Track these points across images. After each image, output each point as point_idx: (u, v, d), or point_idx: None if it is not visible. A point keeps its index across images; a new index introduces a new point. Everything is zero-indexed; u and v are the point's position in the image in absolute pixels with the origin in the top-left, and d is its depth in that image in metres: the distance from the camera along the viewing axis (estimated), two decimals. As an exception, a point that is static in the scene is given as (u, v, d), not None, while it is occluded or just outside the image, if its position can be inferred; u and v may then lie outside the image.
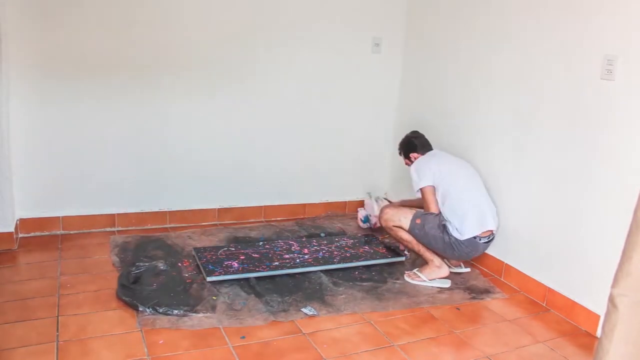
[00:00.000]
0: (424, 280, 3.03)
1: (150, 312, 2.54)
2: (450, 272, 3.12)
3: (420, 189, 3.09)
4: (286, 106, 3.84)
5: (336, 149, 4.07)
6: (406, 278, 3.07)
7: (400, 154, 3.42)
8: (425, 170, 3.08)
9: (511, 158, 3.13)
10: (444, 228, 2.98)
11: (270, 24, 3.66)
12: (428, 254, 3.06)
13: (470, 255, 3.07)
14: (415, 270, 3.11)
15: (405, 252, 3.35)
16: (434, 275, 3.04)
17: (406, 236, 3.07)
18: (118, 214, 3.55)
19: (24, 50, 3.14)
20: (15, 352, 2.20)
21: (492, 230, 3.02)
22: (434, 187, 3.06)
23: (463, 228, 2.94)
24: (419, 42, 3.93)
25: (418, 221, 3.02)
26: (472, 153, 3.41)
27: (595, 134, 2.63)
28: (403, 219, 3.06)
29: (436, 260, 3.06)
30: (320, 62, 3.86)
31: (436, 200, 3.05)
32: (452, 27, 3.57)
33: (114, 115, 3.41)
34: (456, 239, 2.95)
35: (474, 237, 2.96)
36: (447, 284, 3.04)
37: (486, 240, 3.01)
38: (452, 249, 2.98)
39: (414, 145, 3.30)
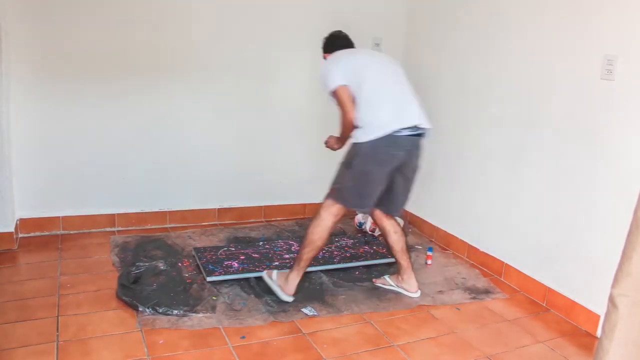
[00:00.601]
0: (392, 285, 2.94)
1: (150, 312, 2.54)
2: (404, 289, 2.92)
3: (333, 91, 2.64)
4: (286, 106, 3.84)
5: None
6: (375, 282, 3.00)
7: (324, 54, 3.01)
8: (334, 69, 2.66)
9: (511, 158, 3.13)
10: (348, 160, 2.62)
11: (269, 24, 3.66)
12: (405, 262, 2.87)
13: (395, 159, 2.60)
14: (385, 277, 2.99)
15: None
16: (403, 285, 2.91)
17: (390, 240, 2.86)
18: (118, 214, 3.55)
19: (25, 50, 3.14)
20: (15, 352, 2.20)
21: (416, 125, 2.59)
22: (348, 87, 2.60)
23: (377, 121, 2.54)
24: (419, 42, 3.93)
25: (334, 191, 2.63)
26: (472, 153, 3.41)
27: (595, 134, 2.63)
28: (330, 215, 2.64)
29: (407, 274, 2.88)
30: (320, 62, 3.85)
31: (352, 104, 2.60)
32: (451, 27, 3.57)
33: (115, 115, 3.41)
34: (370, 141, 2.52)
35: (392, 133, 2.52)
36: (416, 294, 2.89)
37: (410, 133, 2.58)
38: (371, 161, 2.57)
39: (332, 43, 2.92)
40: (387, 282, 2.97)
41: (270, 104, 3.79)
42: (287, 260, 3.12)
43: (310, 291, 2.87)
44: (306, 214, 4.06)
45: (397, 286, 2.93)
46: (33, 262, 3.04)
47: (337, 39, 2.97)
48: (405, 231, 3.85)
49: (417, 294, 2.90)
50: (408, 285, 2.90)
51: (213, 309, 2.61)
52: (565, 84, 2.78)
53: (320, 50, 3.73)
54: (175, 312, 2.55)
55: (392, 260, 3.27)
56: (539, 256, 2.97)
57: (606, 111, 2.58)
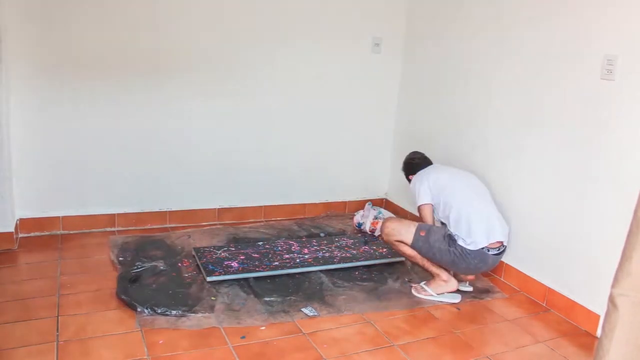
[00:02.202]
0: (432, 295, 2.88)
1: (149, 312, 2.54)
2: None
3: (418, 207, 3.02)
4: (286, 106, 3.84)
5: (336, 149, 4.07)
6: (413, 292, 2.92)
7: (406, 177, 3.32)
8: (422, 188, 2.99)
9: (511, 158, 3.13)
10: (450, 239, 2.83)
11: (270, 24, 3.66)
12: (434, 269, 2.89)
13: (480, 269, 2.88)
14: (422, 284, 2.95)
15: None
16: (441, 290, 2.89)
17: (409, 251, 2.88)
18: (118, 214, 3.55)
19: (25, 50, 3.14)
20: (15, 352, 2.20)
21: (501, 242, 2.84)
22: (432, 205, 2.98)
23: (470, 238, 2.78)
24: (419, 42, 3.93)
25: (422, 233, 2.85)
26: (472, 154, 3.41)
27: (595, 134, 2.63)
28: (405, 232, 2.86)
29: (443, 275, 2.88)
30: (320, 62, 3.86)
31: (433, 219, 3.01)
32: (451, 27, 3.57)
33: (114, 115, 3.41)
34: (463, 248, 2.79)
35: (483, 248, 2.79)
36: (457, 298, 2.89)
37: (496, 252, 2.83)
38: (460, 261, 2.80)
39: (412, 167, 3.23)
40: (426, 290, 2.92)
41: (271, 104, 3.79)
42: (287, 260, 3.13)
43: (310, 291, 2.87)
44: (306, 214, 4.07)
45: (437, 294, 2.91)
46: (33, 262, 3.04)
47: (415, 161, 3.26)
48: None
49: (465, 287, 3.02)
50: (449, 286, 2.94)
51: (212, 309, 2.61)
52: (566, 84, 2.78)
53: (318, 51, 3.78)
54: (174, 312, 2.54)
55: (392, 260, 3.28)
56: (539, 256, 2.97)
57: (606, 111, 2.57)
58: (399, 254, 2.99)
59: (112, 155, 3.46)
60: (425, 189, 2.99)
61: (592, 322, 2.66)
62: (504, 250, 2.89)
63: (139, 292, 2.68)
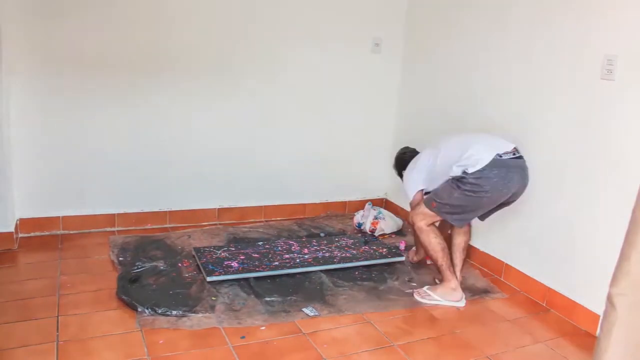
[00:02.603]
0: (438, 300, 2.82)
1: (149, 312, 2.54)
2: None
3: (411, 197, 2.97)
4: (286, 106, 3.84)
5: (336, 149, 4.07)
6: (416, 297, 2.85)
7: (399, 175, 3.22)
8: (412, 175, 2.95)
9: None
10: (457, 182, 2.68)
11: (270, 24, 3.66)
12: (448, 273, 2.83)
13: (508, 187, 2.66)
14: (426, 289, 2.88)
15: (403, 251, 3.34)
16: (447, 297, 2.82)
17: (435, 243, 2.82)
18: (118, 214, 3.55)
19: (25, 50, 3.14)
20: (15, 352, 2.20)
21: (514, 147, 2.72)
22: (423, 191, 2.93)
23: (475, 157, 2.64)
24: (419, 42, 3.93)
25: (434, 205, 2.76)
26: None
27: (594, 134, 2.63)
28: (428, 216, 2.79)
29: (453, 283, 2.83)
30: (319, 62, 3.86)
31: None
32: (451, 26, 3.57)
33: (114, 115, 3.41)
34: (474, 175, 2.61)
35: (495, 157, 2.63)
36: (462, 303, 2.84)
37: (513, 156, 2.69)
38: (481, 194, 2.64)
39: (403, 163, 3.13)
40: (430, 295, 2.85)
41: (271, 104, 3.79)
42: (287, 260, 3.13)
43: (310, 291, 2.87)
44: (306, 214, 4.07)
45: (444, 299, 2.83)
46: (33, 262, 3.04)
47: (406, 155, 3.17)
48: (404, 231, 3.86)
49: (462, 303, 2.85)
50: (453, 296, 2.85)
51: (212, 309, 2.61)
52: (566, 84, 2.78)
53: (318, 51, 3.75)
54: (174, 312, 2.54)
55: (392, 260, 3.28)
56: (539, 256, 2.97)
57: (606, 111, 2.58)
58: (427, 250, 2.88)
59: (112, 155, 3.46)
60: (415, 174, 2.93)
61: (592, 322, 2.66)
62: (521, 157, 2.73)
63: (139, 292, 2.69)
